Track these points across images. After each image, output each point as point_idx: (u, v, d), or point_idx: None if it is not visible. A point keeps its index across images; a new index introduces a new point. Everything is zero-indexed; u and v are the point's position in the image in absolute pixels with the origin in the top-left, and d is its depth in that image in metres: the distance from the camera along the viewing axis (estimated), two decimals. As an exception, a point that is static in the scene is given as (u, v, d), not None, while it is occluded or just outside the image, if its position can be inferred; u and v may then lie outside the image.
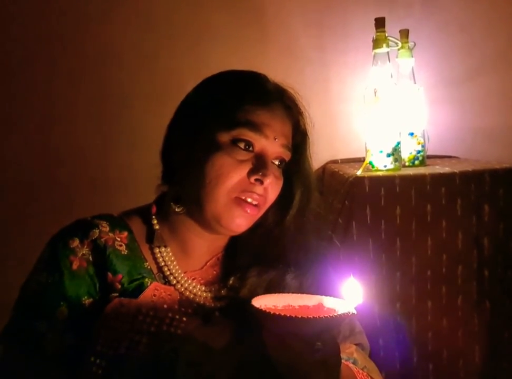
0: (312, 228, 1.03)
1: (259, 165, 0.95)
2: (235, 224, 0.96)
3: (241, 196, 0.95)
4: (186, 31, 1.92)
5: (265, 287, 0.97)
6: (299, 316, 0.76)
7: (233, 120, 0.95)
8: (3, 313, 0.97)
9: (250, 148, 0.96)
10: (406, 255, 1.43)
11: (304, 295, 0.87)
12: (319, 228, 1.05)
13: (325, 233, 1.11)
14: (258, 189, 0.95)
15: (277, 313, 0.77)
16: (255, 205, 0.96)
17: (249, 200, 0.95)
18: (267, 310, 0.79)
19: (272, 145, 0.96)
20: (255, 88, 0.99)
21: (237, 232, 0.99)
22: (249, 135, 0.95)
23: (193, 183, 0.96)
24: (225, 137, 0.95)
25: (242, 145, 0.95)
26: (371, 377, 1.01)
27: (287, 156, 1.00)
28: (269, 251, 1.01)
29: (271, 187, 0.97)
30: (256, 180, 0.94)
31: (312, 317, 0.76)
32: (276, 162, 0.98)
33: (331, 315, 0.77)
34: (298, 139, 1.03)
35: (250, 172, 0.95)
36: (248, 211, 0.95)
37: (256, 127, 0.95)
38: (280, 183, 1.00)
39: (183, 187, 0.99)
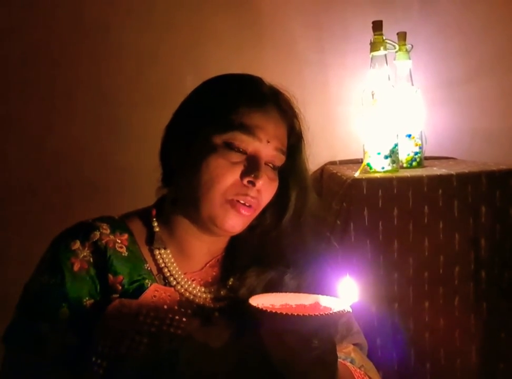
0: (310, 229, 1.04)
1: (251, 167, 0.95)
2: (229, 225, 0.97)
3: (235, 197, 0.95)
4: (185, 33, 1.92)
5: (264, 287, 0.98)
6: (296, 314, 0.77)
7: (227, 122, 0.96)
8: (3, 312, 0.99)
9: (243, 150, 0.96)
10: (404, 255, 1.44)
11: (301, 294, 0.88)
12: (317, 229, 1.06)
13: (323, 234, 1.11)
14: (251, 191, 0.96)
15: (274, 311, 0.78)
16: (249, 206, 0.97)
17: (242, 201, 0.96)
18: (265, 309, 0.80)
19: (265, 147, 0.97)
20: (250, 91, 1.00)
21: (232, 233, 1.00)
22: (242, 138, 0.95)
23: (189, 185, 0.97)
24: (219, 139, 0.96)
25: (234, 147, 0.96)
26: (368, 376, 1.02)
27: (281, 158, 1.00)
28: (268, 252, 1.02)
29: (264, 189, 0.98)
30: (248, 182, 0.95)
31: (308, 315, 0.77)
32: (271, 165, 0.99)
33: (326, 313, 0.78)
34: (294, 142, 1.03)
35: (243, 174, 0.95)
36: (243, 212, 0.96)
37: (248, 130, 0.95)
38: (274, 185, 1.00)
39: (180, 189, 1.00)
